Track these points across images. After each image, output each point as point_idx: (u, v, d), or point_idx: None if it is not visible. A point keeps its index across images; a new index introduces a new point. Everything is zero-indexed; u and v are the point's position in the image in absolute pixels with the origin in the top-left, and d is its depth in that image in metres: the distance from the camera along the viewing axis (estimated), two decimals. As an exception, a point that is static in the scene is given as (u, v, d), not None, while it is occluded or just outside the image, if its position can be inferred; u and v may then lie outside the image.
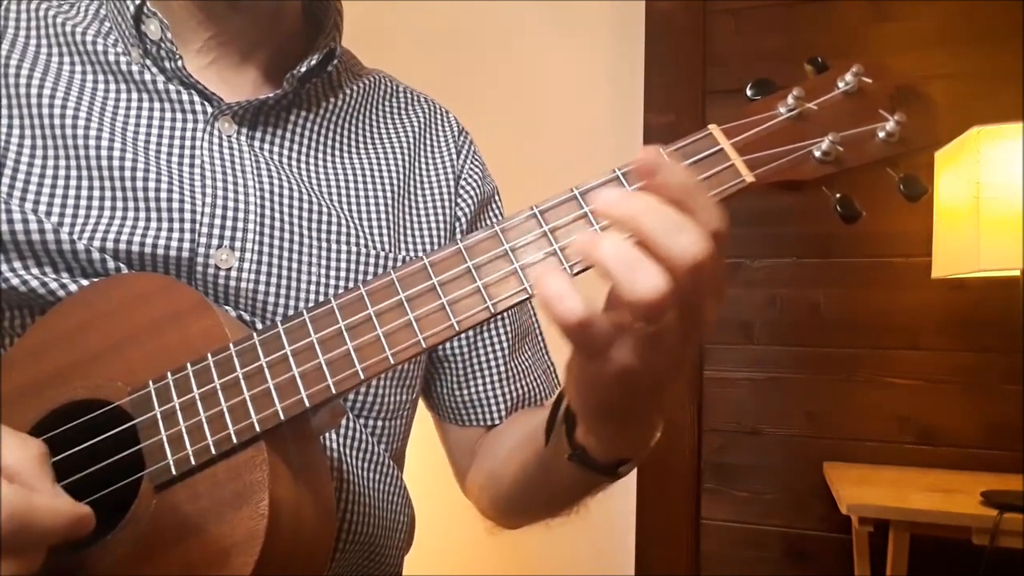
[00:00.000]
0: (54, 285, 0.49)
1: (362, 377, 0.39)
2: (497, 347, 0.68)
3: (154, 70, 0.56)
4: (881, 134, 0.42)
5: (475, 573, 1.64)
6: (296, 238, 0.56)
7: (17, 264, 0.50)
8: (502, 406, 0.67)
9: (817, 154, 0.41)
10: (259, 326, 0.53)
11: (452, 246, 0.40)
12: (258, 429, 0.39)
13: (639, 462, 0.47)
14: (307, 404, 0.39)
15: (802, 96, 0.42)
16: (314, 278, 0.56)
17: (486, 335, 0.68)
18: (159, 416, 0.41)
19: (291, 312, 0.54)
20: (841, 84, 0.43)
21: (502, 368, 0.68)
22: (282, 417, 0.39)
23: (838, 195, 0.42)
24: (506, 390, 0.67)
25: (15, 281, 0.49)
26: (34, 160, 0.52)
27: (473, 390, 0.67)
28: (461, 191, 0.68)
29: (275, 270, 0.55)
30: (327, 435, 0.56)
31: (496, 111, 1.79)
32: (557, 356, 0.73)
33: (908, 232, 1.52)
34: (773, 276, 1.62)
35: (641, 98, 1.71)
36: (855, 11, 1.58)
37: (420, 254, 0.44)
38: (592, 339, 0.36)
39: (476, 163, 0.71)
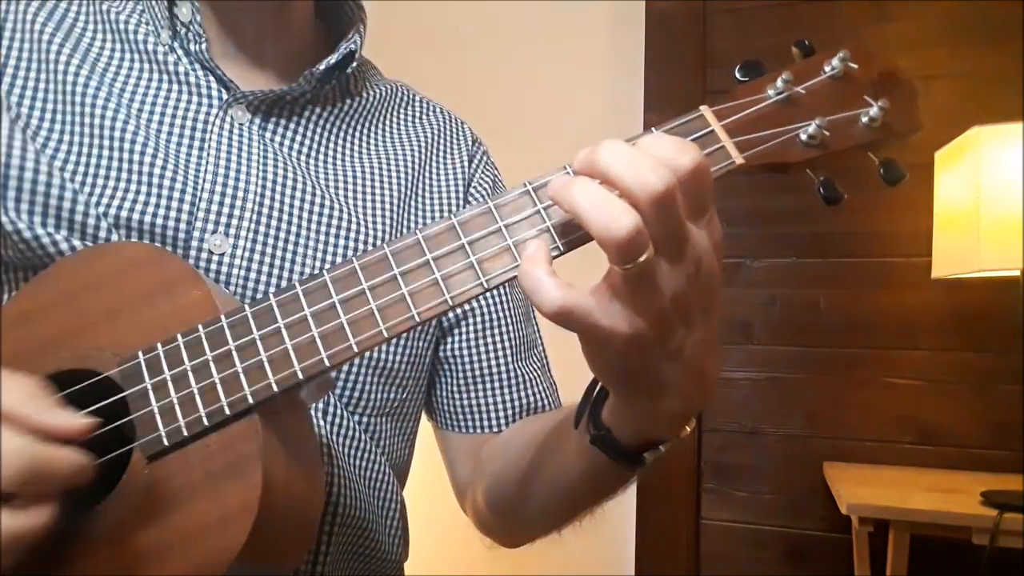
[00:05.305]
0: (46, 240, 0.50)
1: (356, 350, 0.39)
2: (501, 353, 0.67)
3: (179, 52, 0.58)
4: (864, 119, 0.42)
5: (474, 572, 1.64)
6: (295, 229, 0.57)
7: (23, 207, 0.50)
8: (504, 413, 0.66)
9: (803, 137, 0.42)
10: None
11: (446, 221, 0.40)
12: (251, 401, 0.39)
13: (666, 449, 0.45)
14: (301, 377, 0.39)
15: (790, 80, 0.42)
16: (309, 269, 0.56)
17: (489, 339, 0.67)
18: (149, 387, 0.41)
19: None
20: (828, 68, 0.43)
21: (505, 374, 0.66)
22: (275, 389, 0.39)
23: (821, 177, 0.43)
24: (509, 397, 0.66)
25: (21, 226, 0.49)
26: (44, 120, 0.53)
27: (475, 395, 0.66)
28: (470, 198, 0.68)
29: (268, 259, 0.55)
30: (315, 422, 0.56)
31: (496, 111, 1.80)
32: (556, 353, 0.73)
33: (908, 232, 1.52)
34: (773, 276, 1.63)
35: (641, 98, 1.71)
36: (855, 11, 1.59)
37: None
38: (577, 321, 0.36)
39: (488, 172, 0.71)
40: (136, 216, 0.52)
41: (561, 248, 0.39)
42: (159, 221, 0.52)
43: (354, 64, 0.62)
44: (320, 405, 0.56)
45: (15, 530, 0.35)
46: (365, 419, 0.59)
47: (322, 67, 0.59)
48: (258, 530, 0.38)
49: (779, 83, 0.43)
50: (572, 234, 0.39)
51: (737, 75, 0.44)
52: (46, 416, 0.37)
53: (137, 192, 0.52)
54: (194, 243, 0.53)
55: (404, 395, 0.63)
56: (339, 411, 0.57)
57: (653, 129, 0.41)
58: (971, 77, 1.49)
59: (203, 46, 0.57)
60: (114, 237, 0.51)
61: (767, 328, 1.62)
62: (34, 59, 0.54)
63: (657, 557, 1.65)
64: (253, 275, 0.54)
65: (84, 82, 0.54)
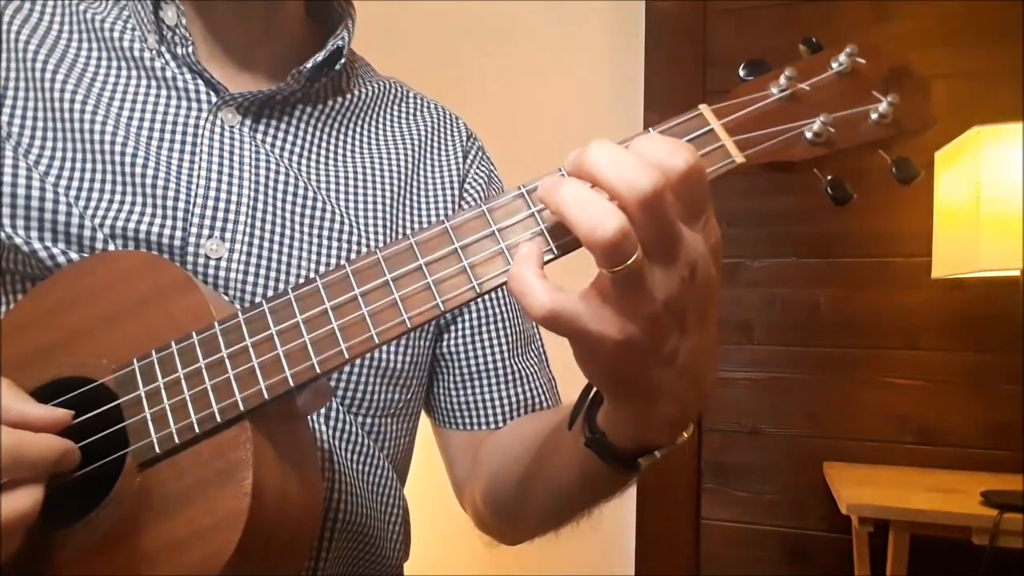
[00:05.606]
0: (43, 254, 0.50)
1: (346, 356, 0.39)
2: (497, 348, 0.66)
3: (166, 56, 0.57)
4: (874, 116, 0.41)
5: (474, 572, 1.63)
6: (288, 231, 0.56)
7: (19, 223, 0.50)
8: (501, 409, 0.65)
9: (808, 135, 0.40)
10: None
11: (439, 225, 0.39)
12: (242, 408, 0.39)
13: (662, 455, 0.44)
14: (292, 383, 0.39)
15: (795, 76, 0.41)
16: (304, 272, 0.56)
17: (486, 335, 0.66)
18: (143, 394, 0.40)
19: None
20: (835, 65, 0.42)
21: (502, 370, 0.66)
22: (266, 396, 0.39)
23: (829, 177, 0.41)
24: (507, 393, 0.66)
25: (18, 240, 0.49)
26: (35, 135, 0.53)
27: (472, 392, 0.66)
28: (465, 194, 0.67)
29: (264, 262, 0.55)
30: (317, 427, 0.56)
31: (495, 111, 1.79)
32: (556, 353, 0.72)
33: (908, 232, 1.51)
34: (773, 276, 1.62)
35: (641, 98, 1.71)
36: (855, 11, 1.58)
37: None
38: (565, 326, 0.35)
39: (483, 167, 0.70)
40: (131, 226, 0.51)
41: (555, 252, 0.38)
42: (154, 229, 0.52)
43: (342, 61, 0.61)
44: (321, 409, 0.56)
45: (5, 514, 0.35)
46: (368, 420, 0.59)
47: (309, 65, 0.58)
48: (248, 537, 0.37)
49: (782, 80, 0.41)
50: (565, 237, 0.38)
51: (741, 73, 0.43)
52: (21, 407, 0.38)
53: (132, 202, 0.52)
54: (190, 249, 0.53)
55: (408, 395, 0.62)
56: (341, 414, 0.57)
57: (650, 129, 0.40)
58: (971, 77, 1.48)
59: (190, 49, 0.57)
60: (111, 247, 0.51)
61: (767, 328, 1.62)
62: (21, 76, 0.54)
63: (657, 557, 1.65)
64: (251, 279, 0.54)
65: (71, 95, 0.53)
